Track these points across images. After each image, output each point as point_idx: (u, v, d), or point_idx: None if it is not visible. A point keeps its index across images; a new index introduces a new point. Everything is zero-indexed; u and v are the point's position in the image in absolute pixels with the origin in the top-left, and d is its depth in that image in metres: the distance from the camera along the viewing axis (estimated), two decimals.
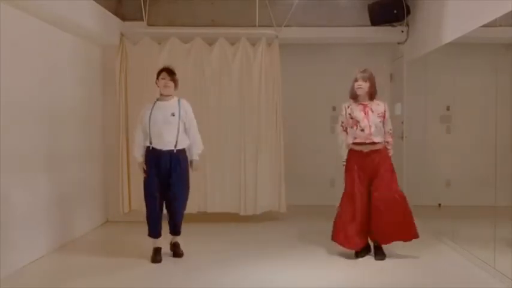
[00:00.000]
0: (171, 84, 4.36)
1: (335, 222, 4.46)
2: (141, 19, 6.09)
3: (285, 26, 6.13)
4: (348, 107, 4.43)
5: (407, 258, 4.46)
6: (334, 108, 6.86)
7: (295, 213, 6.23)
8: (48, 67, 4.74)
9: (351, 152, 4.44)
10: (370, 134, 4.30)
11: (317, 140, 7.11)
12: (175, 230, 4.51)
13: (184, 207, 4.47)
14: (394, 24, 6.31)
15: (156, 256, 4.37)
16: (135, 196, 6.00)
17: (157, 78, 4.40)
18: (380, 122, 4.36)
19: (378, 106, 4.39)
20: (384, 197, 4.28)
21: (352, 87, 4.40)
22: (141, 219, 6.09)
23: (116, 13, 5.96)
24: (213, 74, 6.01)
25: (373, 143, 4.33)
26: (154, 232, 4.42)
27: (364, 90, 4.34)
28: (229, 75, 6.01)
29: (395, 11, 6.08)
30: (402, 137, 6.52)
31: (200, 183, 5.80)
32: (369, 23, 6.23)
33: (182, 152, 4.35)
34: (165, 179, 4.31)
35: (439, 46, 5.31)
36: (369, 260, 4.40)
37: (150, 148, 4.30)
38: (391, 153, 4.50)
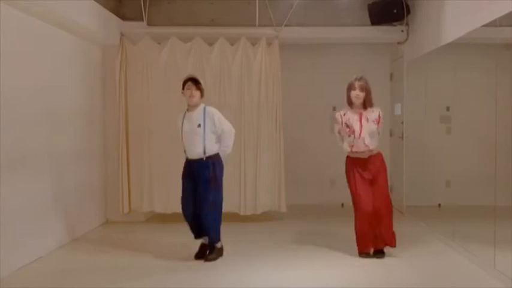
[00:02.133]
0: (197, 93, 4.34)
1: (357, 234, 4.45)
2: (141, 19, 6.09)
3: (285, 26, 6.13)
4: (344, 114, 4.45)
5: (407, 258, 4.46)
6: (334, 108, 6.83)
7: (295, 213, 6.23)
8: (48, 67, 4.74)
9: (349, 159, 4.47)
10: (367, 145, 4.34)
11: (317, 140, 7.11)
12: (208, 233, 4.45)
13: (213, 211, 4.34)
14: (394, 24, 6.32)
15: (197, 251, 4.49)
16: (135, 196, 6.02)
17: (183, 88, 4.37)
18: (376, 128, 4.40)
19: (373, 113, 4.41)
20: (383, 203, 4.39)
21: (349, 96, 4.42)
22: (141, 219, 6.13)
23: (116, 13, 5.96)
24: (213, 74, 6.01)
25: (370, 150, 4.38)
26: (193, 233, 4.50)
27: (361, 100, 4.37)
28: (229, 75, 6.01)
29: (395, 11, 6.08)
30: (402, 137, 6.53)
31: None
32: (369, 23, 6.23)
33: (212, 157, 4.34)
34: (196, 185, 4.35)
35: (439, 46, 5.31)
36: (368, 260, 4.39)
37: (185, 157, 4.43)
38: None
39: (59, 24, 4.81)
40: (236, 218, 6.01)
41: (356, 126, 4.34)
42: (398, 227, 5.85)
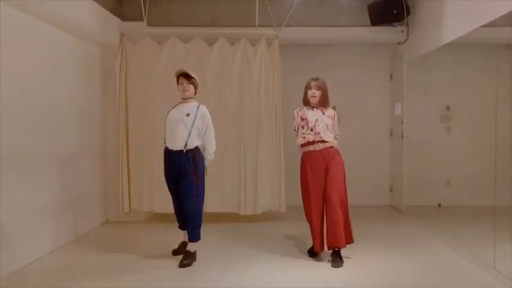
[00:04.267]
0: (190, 87, 4.40)
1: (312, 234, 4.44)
2: (141, 19, 6.09)
3: (285, 26, 6.13)
4: (300, 110, 4.54)
5: (407, 258, 4.46)
6: (334, 108, 6.84)
7: (295, 213, 6.21)
8: (48, 67, 4.74)
9: (304, 154, 4.51)
10: (319, 132, 4.36)
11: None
12: (187, 229, 4.43)
13: (194, 207, 4.31)
14: (394, 24, 6.32)
15: (177, 248, 4.56)
16: (135, 196, 6.02)
17: (177, 84, 4.45)
18: (331, 123, 4.44)
19: (328, 110, 4.50)
20: (338, 199, 4.29)
21: (306, 95, 4.49)
22: (141, 219, 6.13)
23: (116, 13, 5.96)
24: (213, 74, 6.01)
25: (323, 141, 4.37)
26: (179, 224, 4.58)
27: (317, 99, 4.44)
28: (229, 75, 6.01)
29: (395, 11, 6.09)
30: (402, 137, 6.53)
31: None
32: (369, 23, 6.23)
33: (192, 151, 4.31)
34: (178, 178, 4.33)
35: (439, 46, 5.31)
36: (368, 260, 4.40)
37: (165, 148, 4.41)
38: None
39: (59, 24, 4.81)
40: (236, 218, 6.02)
41: (311, 118, 4.40)
42: (399, 227, 5.89)
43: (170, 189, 4.45)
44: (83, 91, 5.56)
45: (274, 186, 6.06)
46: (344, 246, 4.27)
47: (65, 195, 5.05)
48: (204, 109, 4.43)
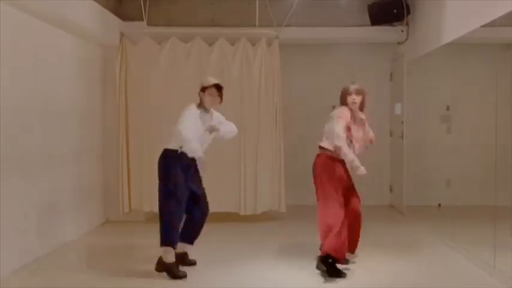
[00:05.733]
0: (218, 100, 4.21)
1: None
2: (141, 19, 6.09)
3: (285, 26, 6.13)
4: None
5: (407, 258, 4.46)
6: (334, 108, 6.84)
7: (295, 213, 6.23)
8: (48, 67, 4.74)
9: (334, 158, 4.10)
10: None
11: (317, 139, 7.09)
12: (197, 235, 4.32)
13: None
14: (394, 24, 6.32)
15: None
16: (135, 196, 6.02)
17: (203, 91, 4.14)
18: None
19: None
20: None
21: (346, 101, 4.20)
22: (141, 219, 6.14)
23: (116, 13, 5.96)
24: (213, 74, 5.98)
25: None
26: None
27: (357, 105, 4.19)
28: (229, 75, 6.01)
29: (395, 11, 6.08)
30: (402, 137, 6.53)
31: None
32: (369, 22, 6.23)
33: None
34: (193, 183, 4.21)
35: (439, 46, 5.31)
36: (368, 260, 4.39)
37: (180, 153, 4.06)
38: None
39: (59, 24, 4.81)
40: (236, 218, 6.02)
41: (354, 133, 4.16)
42: (399, 227, 5.89)
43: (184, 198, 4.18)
44: (83, 91, 5.56)
45: (274, 186, 6.06)
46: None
47: (65, 195, 5.05)
48: (215, 114, 4.28)
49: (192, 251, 4.40)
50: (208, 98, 4.14)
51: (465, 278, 3.94)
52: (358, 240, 4.22)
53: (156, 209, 5.89)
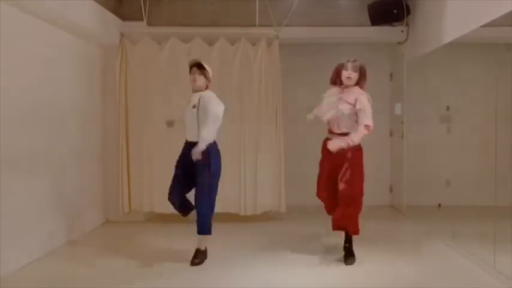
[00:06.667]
0: (199, 78, 4.34)
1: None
2: (141, 19, 6.09)
3: (285, 26, 6.13)
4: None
5: (407, 258, 4.46)
6: None
7: (295, 213, 6.23)
8: (48, 67, 4.74)
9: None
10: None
11: (317, 139, 7.09)
12: (198, 222, 4.40)
13: (202, 200, 4.31)
14: (394, 24, 6.31)
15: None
16: (135, 196, 6.02)
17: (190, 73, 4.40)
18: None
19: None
20: None
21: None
22: (141, 219, 6.13)
23: (116, 13, 5.95)
24: (213, 74, 5.98)
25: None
26: (181, 211, 4.53)
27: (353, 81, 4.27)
28: (229, 75, 6.01)
29: (395, 11, 6.08)
30: (402, 137, 6.53)
31: None
32: (369, 22, 6.23)
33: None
34: (190, 167, 4.29)
35: (439, 46, 5.31)
36: (368, 260, 4.39)
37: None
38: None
39: (59, 24, 4.80)
40: (236, 218, 6.01)
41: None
42: (399, 227, 5.89)
43: (176, 173, 4.38)
44: (83, 91, 5.56)
45: (274, 187, 6.06)
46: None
47: (65, 195, 5.04)
48: (206, 95, 4.30)
49: (191, 250, 4.41)
50: (190, 77, 4.35)
51: (465, 278, 3.94)
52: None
53: (156, 209, 5.97)
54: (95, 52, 5.89)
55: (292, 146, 6.65)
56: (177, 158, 4.45)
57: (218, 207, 5.99)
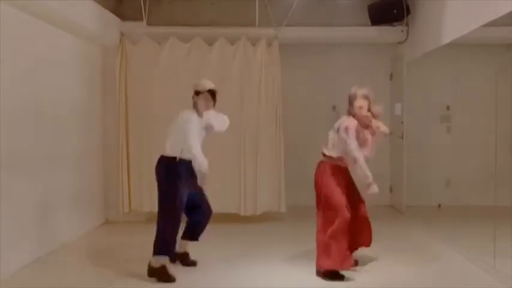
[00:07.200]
0: (212, 104, 4.19)
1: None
2: (141, 19, 6.08)
3: (285, 26, 6.13)
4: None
5: (407, 258, 4.46)
6: (334, 108, 6.85)
7: (295, 213, 6.23)
8: (48, 67, 4.74)
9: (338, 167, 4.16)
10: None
11: (317, 139, 7.08)
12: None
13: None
14: (394, 24, 6.32)
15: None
16: (135, 196, 6.01)
17: (197, 94, 4.14)
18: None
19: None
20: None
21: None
22: (141, 219, 6.13)
23: (116, 13, 5.95)
24: (213, 74, 6.00)
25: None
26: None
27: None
28: (229, 75, 6.01)
29: (395, 11, 6.08)
30: (402, 137, 6.53)
31: None
32: (369, 23, 6.23)
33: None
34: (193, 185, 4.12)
35: (439, 46, 5.31)
36: (368, 260, 4.39)
37: (180, 159, 4.03)
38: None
39: (59, 24, 4.81)
40: (236, 218, 6.01)
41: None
42: (399, 227, 5.88)
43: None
44: (83, 91, 5.56)
45: (274, 187, 6.05)
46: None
47: (65, 195, 5.04)
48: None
49: (192, 251, 4.40)
50: (202, 102, 4.13)
51: (465, 278, 3.94)
52: (371, 233, 4.16)
53: (156, 208, 5.94)
54: (95, 52, 5.89)
55: (292, 146, 6.65)
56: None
57: (218, 208, 6.02)
